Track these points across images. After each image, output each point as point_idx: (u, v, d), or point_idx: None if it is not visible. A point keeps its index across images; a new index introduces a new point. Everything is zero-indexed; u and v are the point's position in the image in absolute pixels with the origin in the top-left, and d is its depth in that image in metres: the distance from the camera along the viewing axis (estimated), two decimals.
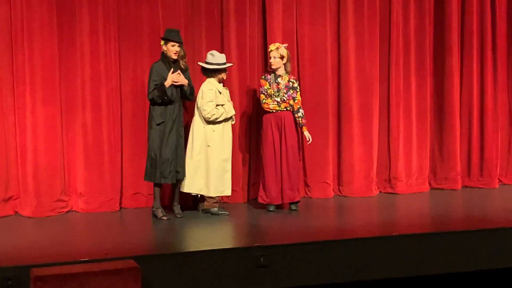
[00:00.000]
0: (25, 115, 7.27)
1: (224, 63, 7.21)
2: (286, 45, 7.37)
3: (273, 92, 7.26)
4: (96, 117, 7.49)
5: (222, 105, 7.12)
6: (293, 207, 7.41)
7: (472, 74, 8.82)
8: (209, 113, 7.01)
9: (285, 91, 7.24)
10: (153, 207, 7.05)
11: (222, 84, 7.26)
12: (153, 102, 6.88)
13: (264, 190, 7.38)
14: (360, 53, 8.36)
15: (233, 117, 7.27)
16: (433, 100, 8.82)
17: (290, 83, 7.27)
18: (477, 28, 8.81)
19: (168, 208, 7.22)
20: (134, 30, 7.61)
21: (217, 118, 7.06)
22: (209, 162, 7.09)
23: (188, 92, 7.07)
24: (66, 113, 7.48)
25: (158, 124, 6.89)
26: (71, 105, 7.48)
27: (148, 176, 6.98)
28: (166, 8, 7.69)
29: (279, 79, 7.28)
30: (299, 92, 7.31)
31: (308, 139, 7.36)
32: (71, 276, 4.72)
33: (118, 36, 7.57)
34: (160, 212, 6.98)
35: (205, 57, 7.36)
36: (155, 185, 7.00)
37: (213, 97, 7.06)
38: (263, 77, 7.41)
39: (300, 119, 7.28)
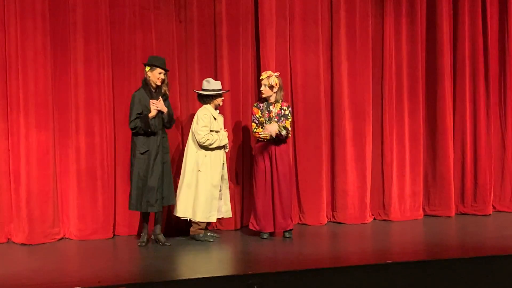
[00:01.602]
0: (18, 140, 7.29)
1: (220, 90, 7.27)
2: (277, 74, 7.40)
3: (264, 121, 7.28)
4: (90, 143, 7.50)
5: (217, 131, 7.16)
6: (286, 234, 7.40)
7: (464, 99, 8.86)
8: (203, 137, 7.05)
9: (276, 119, 7.26)
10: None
11: (218, 111, 7.31)
12: (135, 132, 6.91)
13: (255, 217, 7.39)
14: (353, 78, 8.41)
15: (227, 145, 7.31)
16: (426, 125, 8.84)
17: (282, 110, 7.29)
18: (469, 54, 8.87)
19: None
20: (128, 56, 7.65)
21: (210, 144, 7.10)
22: (198, 187, 7.12)
23: (167, 119, 7.07)
24: (59, 138, 7.50)
25: (142, 153, 6.91)
26: (64, 131, 7.50)
27: (134, 205, 6.95)
28: (159, 35, 7.75)
29: (271, 107, 7.31)
30: (289, 120, 7.30)
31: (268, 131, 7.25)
32: None
33: (111, 62, 7.61)
34: (141, 237, 7.04)
35: (199, 83, 7.43)
36: (144, 213, 7.06)
37: (208, 123, 7.11)
38: (255, 105, 7.45)
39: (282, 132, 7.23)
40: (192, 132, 7.20)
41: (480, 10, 8.89)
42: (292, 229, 7.46)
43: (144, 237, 7.04)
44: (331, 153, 8.45)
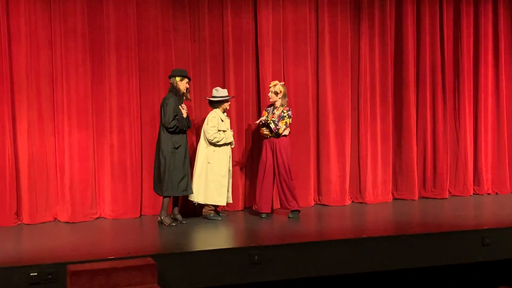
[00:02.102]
0: (63, 138, 7.30)
1: (227, 96, 7.27)
2: (282, 83, 7.42)
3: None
4: (121, 140, 7.49)
5: (224, 131, 7.16)
6: (290, 215, 7.33)
7: (426, 105, 8.82)
8: (212, 135, 7.05)
9: (277, 120, 7.25)
10: (160, 215, 6.95)
11: (225, 114, 7.31)
12: (172, 130, 6.83)
13: (256, 200, 7.38)
14: (335, 88, 8.38)
15: (232, 142, 7.31)
16: (394, 126, 8.80)
17: (282, 113, 7.27)
18: (430, 68, 8.83)
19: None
20: (152, 70, 7.63)
21: (218, 141, 7.09)
22: (208, 176, 7.11)
23: (188, 120, 7.11)
24: (97, 136, 7.48)
25: (176, 148, 6.85)
26: (100, 130, 7.49)
27: (169, 191, 6.83)
28: (178, 52, 7.72)
29: (275, 110, 7.30)
30: (284, 121, 7.21)
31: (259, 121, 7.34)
32: (99, 271, 4.74)
33: (139, 74, 7.58)
34: (168, 220, 6.92)
35: (210, 92, 7.42)
36: (166, 197, 6.93)
37: (216, 124, 7.11)
38: (265, 108, 7.47)
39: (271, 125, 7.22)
40: (203, 131, 7.20)
41: (438, 32, 8.85)
42: (298, 211, 7.36)
43: (170, 218, 6.97)
44: (317, 149, 8.42)
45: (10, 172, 7.02)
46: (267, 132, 7.28)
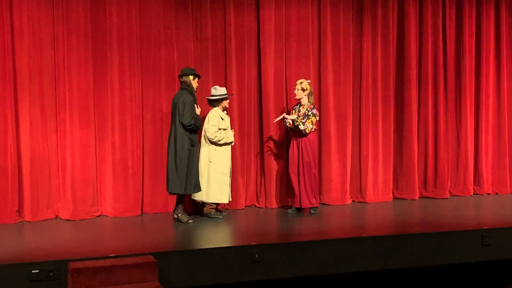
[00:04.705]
0: (65, 136, 7.32)
1: (225, 94, 7.29)
2: (309, 81, 7.53)
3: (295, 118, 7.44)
4: (123, 138, 7.51)
5: (225, 129, 7.18)
6: (312, 211, 7.46)
7: (427, 104, 8.84)
8: (212, 134, 7.06)
9: (302, 117, 7.30)
10: (177, 213, 6.94)
11: (225, 112, 7.32)
12: (190, 128, 6.80)
13: (288, 194, 7.66)
14: (337, 87, 8.39)
15: (233, 141, 7.33)
16: (395, 125, 8.81)
17: (307, 111, 7.35)
18: (432, 68, 8.85)
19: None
20: (154, 68, 7.64)
21: (219, 140, 7.11)
22: (210, 175, 7.13)
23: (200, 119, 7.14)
24: (98, 134, 7.50)
25: (193, 146, 6.84)
26: (102, 128, 7.50)
27: (189, 189, 6.83)
28: (180, 50, 7.74)
29: (300, 108, 7.42)
30: (310, 120, 7.32)
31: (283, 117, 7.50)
32: (101, 268, 4.75)
33: (141, 73, 7.60)
34: (185, 217, 6.92)
35: (210, 91, 7.43)
36: (182, 195, 6.92)
37: (216, 122, 7.13)
38: (293, 107, 7.64)
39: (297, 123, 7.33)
40: (204, 130, 7.22)
41: (441, 31, 8.86)
42: (317, 207, 7.54)
43: (186, 215, 6.98)
44: (319, 147, 8.39)
45: (12, 170, 7.05)
46: (289, 126, 7.46)
